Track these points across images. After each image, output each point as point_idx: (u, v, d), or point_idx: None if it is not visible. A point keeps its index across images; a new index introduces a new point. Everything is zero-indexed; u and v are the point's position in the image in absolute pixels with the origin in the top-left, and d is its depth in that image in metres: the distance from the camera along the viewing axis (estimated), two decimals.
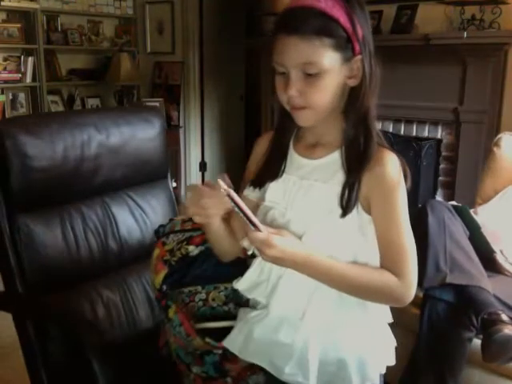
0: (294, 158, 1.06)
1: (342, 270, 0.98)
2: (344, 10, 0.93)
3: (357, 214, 0.98)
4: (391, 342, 1.10)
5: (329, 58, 0.93)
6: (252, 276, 1.08)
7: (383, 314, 1.07)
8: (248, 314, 1.10)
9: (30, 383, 1.53)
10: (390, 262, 0.99)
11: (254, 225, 0.94)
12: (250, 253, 1.10)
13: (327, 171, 1.01)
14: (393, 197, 0.98)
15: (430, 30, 3.33)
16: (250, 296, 1.11)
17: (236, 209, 0.94)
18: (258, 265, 1.08)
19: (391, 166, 0.97)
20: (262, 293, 1.07)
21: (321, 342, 1.03)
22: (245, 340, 1.08)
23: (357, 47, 0.95)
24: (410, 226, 1.00)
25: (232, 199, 0.93)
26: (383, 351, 1.09)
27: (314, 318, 1.02)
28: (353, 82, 0.98)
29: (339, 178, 0.99)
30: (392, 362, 1.10)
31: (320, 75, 0.94)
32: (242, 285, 1.10)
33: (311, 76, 0.94)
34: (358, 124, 0.99)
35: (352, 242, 1.00)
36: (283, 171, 1.05)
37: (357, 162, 0.98)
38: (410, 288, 1.00)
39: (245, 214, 0.94)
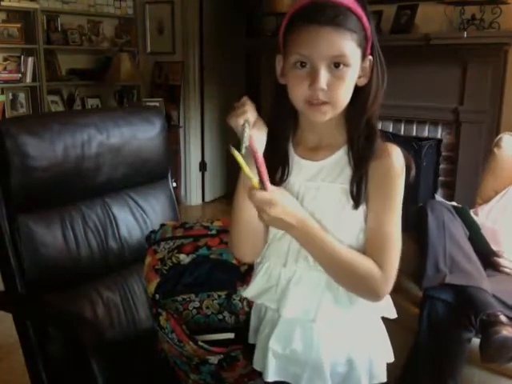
0: (296, 161, 1.05)
1: (334, 246, 0.97)
2: (363, 10, 0.95)
3: (363, 207, 0.99)
4: (388, 339, 1.11)
5: (354, 53, 0.94)
6: (260, 282, 1.07)
7: (388, 310, 1.07)
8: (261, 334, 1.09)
9: (29, 383, 1.53)
10: (376, 252, 0.99)
11: (263, 183, 0.93)
12: (258, 260, 1.10)
13: (334, 170, 1.01)
14: (393, 188, 0.99)
15: (430, 29, 3.33)
16: (258, 301, 1.10)
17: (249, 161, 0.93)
18: (265, 272, 1.07)
19: (396, 158, 0.99)
20: (272, 298, 1.06)
21: (332, 342, 1.03)
22: (263, 358, 1.07)
23: (369, 47, 0.97)
24: (400, 221, 1.00)
25: (254, 153, 0.92)
26: (386, 348, 1.10)
27: (325, 318, 1.02)
28: (361, 82, 0.99)
29: (347, 174, 1.00)
30: (391, 358, 1.10)
31: (345, 70, 0.94)
32: (249, 292, 1.09)
33: (337, 70, 0.93)
34: (363, 123, 0.99)
35: (358, 236, 1.01)
36: (287, 176, 1.04)
37: (363, 158, 0.99)
38: (388, 282, 0.99)
39: (259, 169, 0.93)
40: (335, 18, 0.91)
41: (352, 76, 0.95)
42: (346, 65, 0.93)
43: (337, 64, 0.93)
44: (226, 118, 0.96)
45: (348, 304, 1.02)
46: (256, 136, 0.95)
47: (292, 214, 0.95)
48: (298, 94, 0.96)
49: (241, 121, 0.93)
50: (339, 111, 0.98)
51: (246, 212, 1.00)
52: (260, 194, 0.93)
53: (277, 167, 1.04)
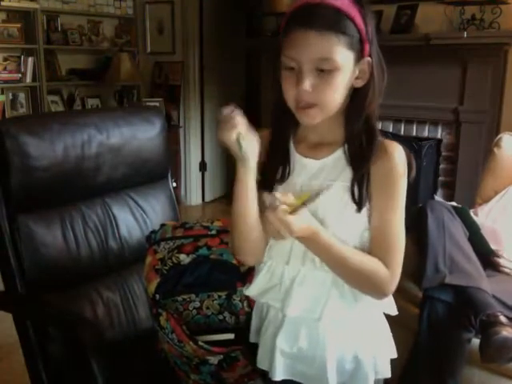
0: (298, 160, 1.05)
1: (342, 250, 0.98)
2: (358, 11, 0.94)
3: (366, 206, 1.00)
4: (391, 335, 1.12)
5: (343, 56, 0.93)
6: (262, 281, 1.08)
7: (389, 307, 1.08)
8: (265, 335, 1.09)
9: (29, 383, 1.53)
10: (381, 251, 0.99)
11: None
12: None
13: (335, 169, 1.01)
14: (396, 188, 0.99)
15: (430, 29, 3.33)
16: (262, 300, 1.10)
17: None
18: (267, 270, 1.07)
19: (398, 157, 0.99)
20: (275, 296, 1.06)
21: (338, 340, 1.04)
22: (270, 358, 1.07)
23: (367, 48, 0.96)
24: (403, 219, 1.01)
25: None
26: (390, 345, 1.10)
27: (331, 317, 1.02)
28: (358, 83, 0.98)
29: (347, 174, 1.00)
30: (395, 354, 1.11)
31: (333, 72, 0.93)
32: (252, 291, 1.10)
33: (324, 73, 0.93)
34: (361, 124, 0.99)
35: (362, 234, 1.01)
36: (288, 174, 1.04)
37: (362, 158, 0.99)
38: (394, 280, 1.00)
39: None
40: (323, 21, 0.91)
41: (342, 79, 0.95)
42: (334, 68, 0.93)
43: (323, 67, 0.93)
44: (217, 133, 0.96)
45: (353, 301, 1.03)
46: (250, 146, 0.95)
47: (301, 230, 0.94)
48: (289, 95, 0.97)
49: (233, 135, 0.94)
50: (331, 113, 0.98)
51: (247, 217, 1.01)
52: (288, 217, 0.91)
53: (278, 166, 1.04)
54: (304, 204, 0.95)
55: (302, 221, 0.94)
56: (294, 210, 0.93)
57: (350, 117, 1.00)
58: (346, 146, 1.01)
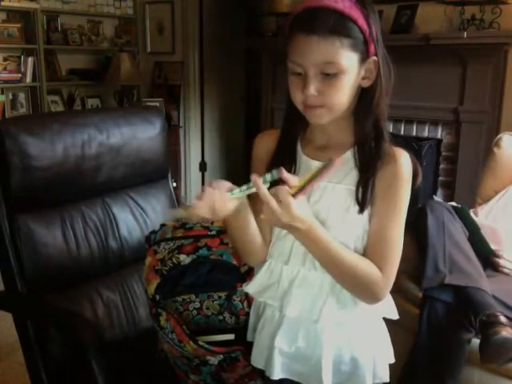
0: (304, 161, 1.05)
1: (337, 248, 0.97)
2: (360, 12, 0.94)
3: (367, 210, 1.00)
4: (390, 340, 1.12)
5: (347, 59, 0.93)
6: (262, 279, 1.08)
7: (390, 311, 1.08)
8: (265, 337, 1.10)
9: (30, 383, 1.53)
10: (377, 255, 0.99)
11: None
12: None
13: (340, 172, 1.01)
14: (399, 195, 0.99)
15: (430, 29, 3.33)
16: (260, 299, 1.11)
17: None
18: (267, 268, 1.08)
19: (404, 164, 0.99)
20: (273, 295, 1.06)
21: (335, 341, 1.04)
22: (267, 357, 1.07)
23: (372, 48, 0.96)
24: (403, 226, 1.01)
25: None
26: (388, 349, 1.11)
27: (329, 318, 1.02)
28: (366, 83, 0.99)
29: (353, 177, 1.00)
30: (392, 359, 1.11)
31: (338, 75, 0.94)
32: (251, 288, 1.10)
33: (329, 76, 0.94)
34: (370, 124, 0.99)
35: (363, 237, 1.01)
36: (293, 175, 1.04)
37: (370, 161, 0.99)
38: (387, 285, 1.00)
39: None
40: (325, 25, 0.91)
41: (348, 81, 0.95)
42: (339, 71, 0.93)
43: (327, 71, 0.93)
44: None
45: (352, 305, 1.03)
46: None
47: (299, 219, 0.94)
48: (296, 97, 0.98)
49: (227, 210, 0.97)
50: (338, 113, 0.98)
51: (251, 237, 1.04)
52: (290, 198, 0.91)
53: (284, 166, 1.04)
54: (305, 186, 0.93)
55: (300, 207, 0.92)
56: (294, 193, 0.92)
57: (359, 117, 1.01)
58: (355, 148, 1.01)
